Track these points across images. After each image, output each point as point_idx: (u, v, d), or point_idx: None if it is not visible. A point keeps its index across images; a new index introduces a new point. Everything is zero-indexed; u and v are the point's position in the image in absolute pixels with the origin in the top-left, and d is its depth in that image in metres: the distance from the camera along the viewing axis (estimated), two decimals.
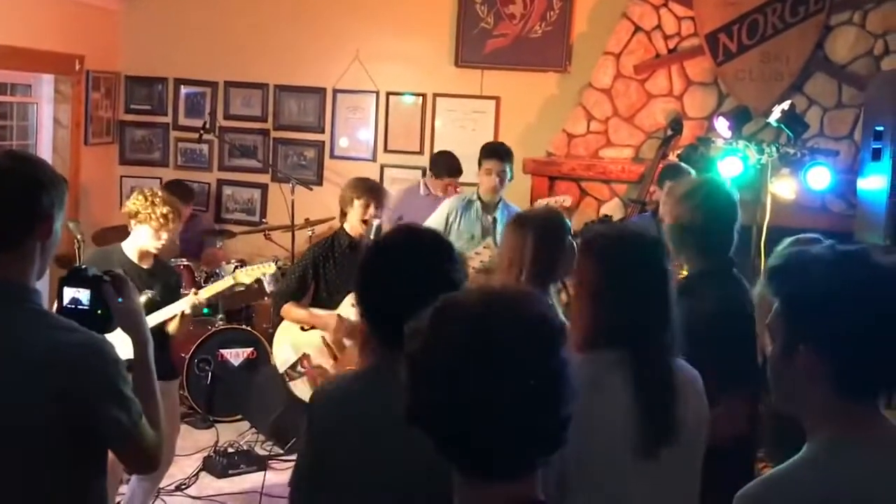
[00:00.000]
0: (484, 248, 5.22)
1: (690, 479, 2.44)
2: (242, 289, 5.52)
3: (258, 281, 5.47)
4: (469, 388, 1.38)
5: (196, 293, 4.63)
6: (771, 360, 1.75)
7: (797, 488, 1.66)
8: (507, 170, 5.61)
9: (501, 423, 1.38)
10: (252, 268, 5.06)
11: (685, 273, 3.33)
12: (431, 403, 1.43)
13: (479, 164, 5.65)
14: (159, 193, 4.47)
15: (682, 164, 5.72)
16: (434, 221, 5.50)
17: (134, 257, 4.47)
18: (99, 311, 2.27)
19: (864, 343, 1.63)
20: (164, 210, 4.37)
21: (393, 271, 2.10)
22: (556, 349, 1.43)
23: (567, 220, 3.54)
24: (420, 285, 1.95)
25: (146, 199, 4.36)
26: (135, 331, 2.33)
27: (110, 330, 2.27)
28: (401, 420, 1.48)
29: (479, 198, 5.59)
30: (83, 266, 2.39)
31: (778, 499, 1.67)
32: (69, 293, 2.29)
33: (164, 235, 4.43)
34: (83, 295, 2.28)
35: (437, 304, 1.49)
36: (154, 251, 4.49)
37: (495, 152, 5.65)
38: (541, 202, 6.31)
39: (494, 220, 5.58)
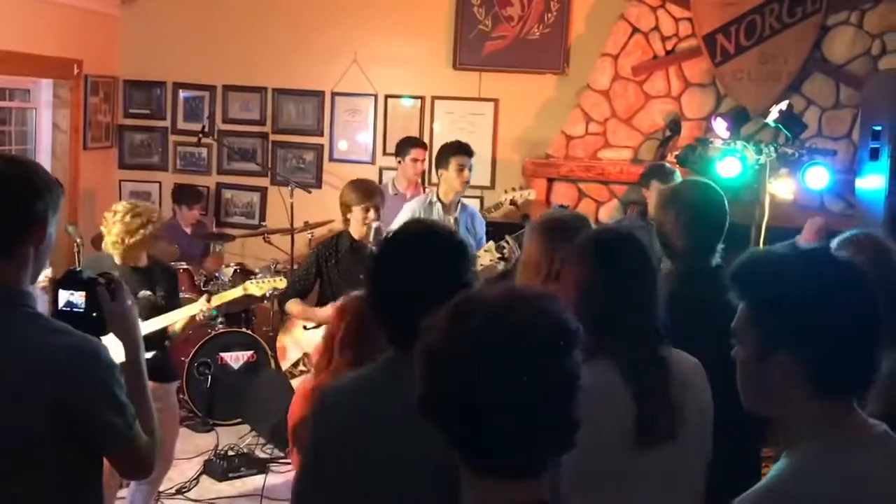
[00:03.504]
0: (485, 251, 5.23)
1: (696, 470, 2.44)
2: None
3: None
4: (483, 382, 1.38)
5: (209, 300, 4.63)
6: (742, 364, 1.74)
7: (802, 498, 1.64)
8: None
9: (513, 420, 1.38)
10: (263, 281, 5.04)
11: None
12: (444, 396, 1.43)
13: (444, 162, 5.61)
14: (136, 213, 4.44)
15: (667, 165, 5.75)
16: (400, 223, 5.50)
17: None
18: (94, 314, 2.27)
19: (839, 343, 1.64)
20: (133, 242, 4.40)
21: (408, 266, 2.07)
22: (571, 350, 1.43)
23: (591, 224, 3.48)
24: (434, 281, 1.97)
25: (121, 232, 4.38)
26: (127, 335, 2.32)
27: (104, 333, 2.27)
28: (412, 418, 1.47)
29: (440, 199, 5.60)
30: (78, 269, 2.39)
31: None
32: (64, 296, 2.28)
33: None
34: (78, 298, 2.28)
35: (456, 299, 1.49)
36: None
37: (464, 148, 5.64)
38: (506, 196, 6.33)
39: (456, 220, 5.58)
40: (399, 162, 6.58)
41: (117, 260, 4.45)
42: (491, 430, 1.39)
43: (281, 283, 5.08)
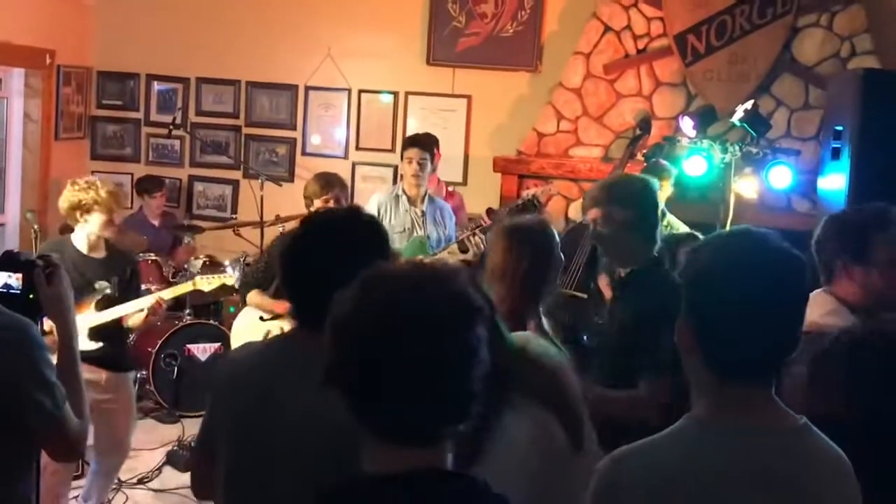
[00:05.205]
0: (448, 253, 5.25)
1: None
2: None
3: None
4: (384, 355, 1.42)
5: (160, 295, 4.62)
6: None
7: (649, 465, 1.67)
8: (428, 158, 5.63)
9: (414, 388, 1.42)
10: (213, 277, 5.13)
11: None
12: (348, 366, 1.46)
13: (402, 156, 5.73)
14: (90, 178, 4.38)
15: (663, 162, 5.68)
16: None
17: (84, 249, 4.42)
18: (30, 296, 2.28)
19: (727, 319, 1.64)
20: (109, 188, 4.32)
21: (319, 255, 2.11)
22: (473, 325, 1.46)
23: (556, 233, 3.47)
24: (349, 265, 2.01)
25: (86, 188, 4.28)
26: (60, 318, 2.33)
27: (40, 315, 2.28)
28: (306, 387, 1.49)
29: (405, 192, 5.63)
30: (16, 251, 2.39)
31: (627, 473, 1.68)
32: (1, 277, 2.29)
33: (116, 218, 4.42)
34: (15, 279, 2.29)
35: (367, 272, 1.53)
36: (109, 235, 4.45)
37: (414, 141, 5.70)
38: (528, 193, 6.33)
39: (423, 213, 5.60)
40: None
41: (98, 231, 4.38)
42: (392, 399, 1.43)
43: (229, 279, 5.11)
